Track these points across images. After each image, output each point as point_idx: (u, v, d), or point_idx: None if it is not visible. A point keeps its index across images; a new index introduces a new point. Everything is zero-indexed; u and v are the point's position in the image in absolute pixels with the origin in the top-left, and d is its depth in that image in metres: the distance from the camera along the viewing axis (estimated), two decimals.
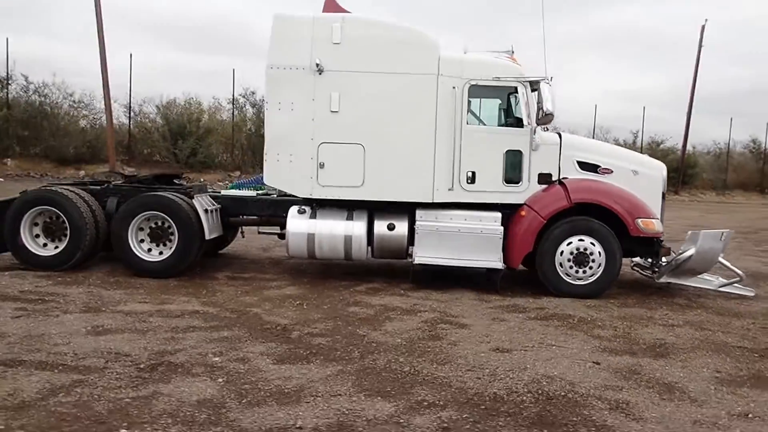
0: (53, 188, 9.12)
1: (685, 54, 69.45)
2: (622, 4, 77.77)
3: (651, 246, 9.03)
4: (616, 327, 7.18)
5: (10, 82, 28.05)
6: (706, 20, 35.92)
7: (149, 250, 8.92)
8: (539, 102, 8.50)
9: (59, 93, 28.99)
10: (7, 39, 28.02)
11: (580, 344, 6.38)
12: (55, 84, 29.07)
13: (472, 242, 8.79)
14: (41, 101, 28.43)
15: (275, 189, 9.78)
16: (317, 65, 8.57)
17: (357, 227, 8.89)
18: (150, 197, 8.93)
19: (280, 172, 8.85)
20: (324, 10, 9.02)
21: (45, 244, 8.97)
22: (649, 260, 9.43)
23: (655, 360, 5.96)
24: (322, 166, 8.76)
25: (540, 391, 4.93)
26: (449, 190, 8.86)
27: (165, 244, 8.92)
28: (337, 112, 8.69)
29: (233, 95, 32.15)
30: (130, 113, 29.72)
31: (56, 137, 27.63)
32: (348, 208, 9.00)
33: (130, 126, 29.85)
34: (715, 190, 37.95)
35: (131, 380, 4.88)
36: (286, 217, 9.13)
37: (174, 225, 8.79)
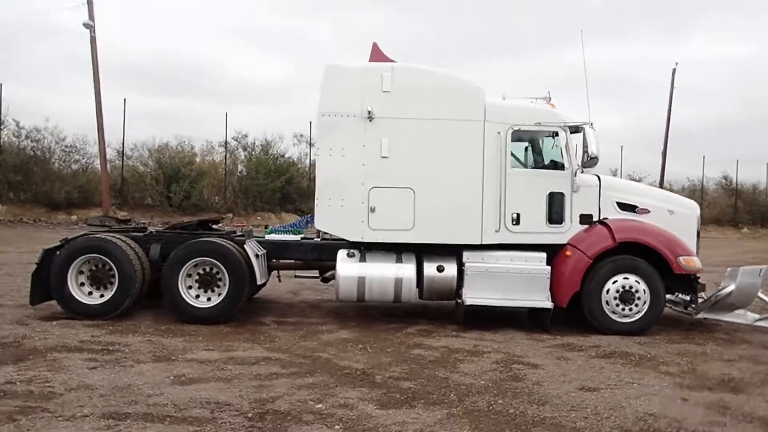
0: (101, 236, 9.10)
1: (634, 93, 71.61)
2: (592, 45, 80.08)
3: (689, 282, 9.29)
4: (679, 363, 7.36)
5: (1, 126, 27.86)
6: (677, 63, 37.35)
7: (197, 296, 8.91)
8: (585, 146, 8.79)
9: (51, 137, 28.82)
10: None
11: (657, 381, 6.54)
12: (48, 129, 28.96)
13: (521, 282, 8.95)
14: (33, 146, 28.24)
15: (313, 233, 9.90)
16: (369, 113, 8.78)
17: (407, 270, 9.00)
18: (203, 243, 8.96)
19: (332, 216, 8.98)
20: (371, 60, 9.26)
21: (90, 293, 8.91)
22: (685, 297, 9.66)
23: (735, 395, 6.13)
24: (372, 210, 8.90)
25: (651, 428, 5.05)
26: (496, 231, 9.06)
27: (213, 290, 8.92)
28: (387, 157, 8.88)
29: (225, 138, 32.24)
30: (123, 158, 29.62)
31: (47, 182, 27.40)
32: (395, 250, 9.12)
33: (123, 170, 29.73)
34: None
35: (248, 430, 4.89)
36: (330, 261, 9.23)
37: (225, 271, 8.81)
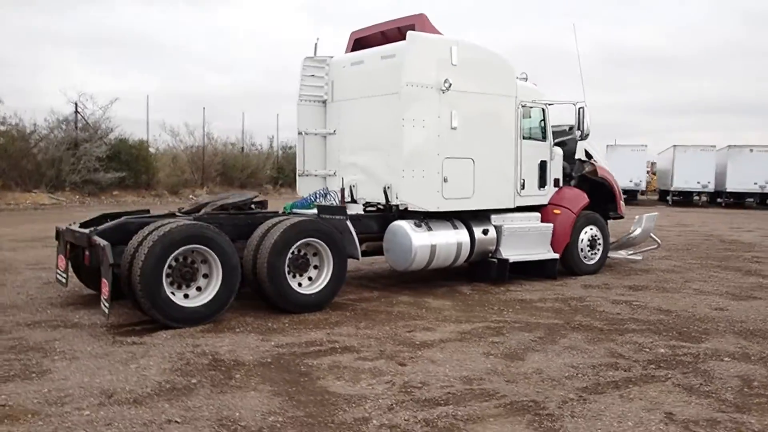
0: (198, 223, 7.34)
1: None
2: None
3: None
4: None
5: None
6: (318, 39, 40.53)
7: (300, 284, 8.03)
8: (583, 123, 10.60)
9: None
10: None
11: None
12: None
13: (535, 238, 10.47)
14: None
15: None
16: (447, 84, 8.99)
17: (462, 235, 9.62)
18: (308, 223, 8.02)
19: (414, 188, 8.99)
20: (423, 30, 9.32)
21: (186, 295, 7.23)
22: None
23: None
24: (446, 180, 9.22)
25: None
26: (518, 196, 10.32)
27: (302, 274, 8.12)
28: (455, 128, 9.26)
29: None
30: None
31: None
32: (446, 218, 9.60)
33: None
34: None
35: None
36: (381, 232, 9.26)
37: (329, 251, 8.12)
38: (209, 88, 71.33)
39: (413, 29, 9.36)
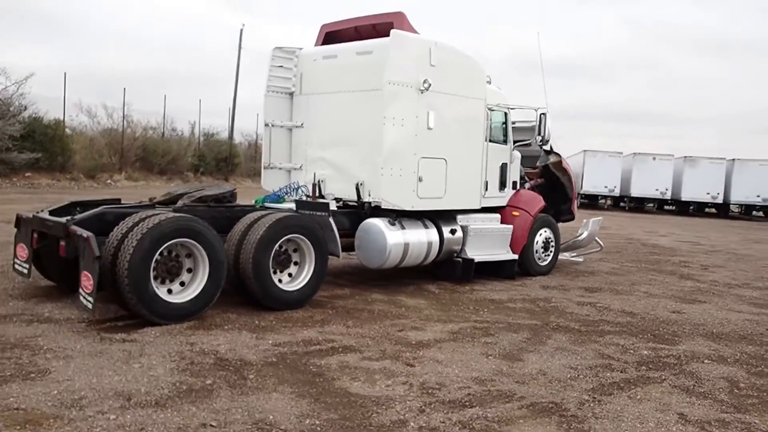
0: (185, 216, 7.04)
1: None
2: None
3: None
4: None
5: None
6: (243, 25, 39.56)
7: (279, 280, 7.88)
8: (545, 128, 10.93)
9: None
10: None
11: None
12: None
13: (497, 239, 10.73)
14: None
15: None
16: (427, 84, 9.04)
17: (433, 234, 9.73)
18: (291, 219, 7.87)
19: (392, 186, 8.98)
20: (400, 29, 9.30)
21: (170, 290, 6.94)
22: None
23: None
24: (420, 179, 9.27)
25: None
26: (482, 197, 10.53)
27: (283, 271, 7.99)
28: (431, 129, 9.33)
29: None
30: None
31: None
32: (416, 217, 9.67)
33: None
34: (251, 178, 40.70)
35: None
36: (353, 230, 9.25)
37: (312, 247, 8.02)
38: (128, 68, 68.37)
39: (391, 27, 9.35)
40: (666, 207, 40.66)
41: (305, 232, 7.96)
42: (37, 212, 7.77)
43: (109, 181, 27.54)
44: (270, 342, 6.45)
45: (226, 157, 36.47)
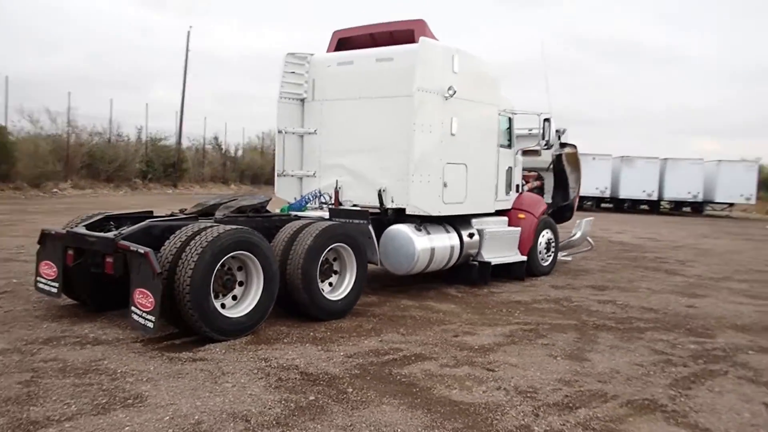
0: (243, 228, 6.83)
1: None
2: None
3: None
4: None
5: None
6: (191, 27, 38.59)
7: (322, 290, 7.78)
8: (545, 133, 11.16)
9: None
10: None
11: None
12: None
13: (508, 242, 10.92)
14: None
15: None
16: (452, 91, 9.11)
17: (454, 239, 9.81)
18: (336, 227, 7.77)
19: (421, 192, 9.01)
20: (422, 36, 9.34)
21: (223, 305, 6.74)
22: None
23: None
24: (445, 185, 9.34)
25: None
26: (495, 201, 10.70)
27: (330, 280, 7.94)
28: (454, 135, 9.41)
29: None
30: None
31: None
32: (438, 222, 9.73)
33: None
34: (199, 183, 39.95)
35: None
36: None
37: (353, 255, 7.97)
38: (70, 71, 65.45)
39: (410, 34, 9.41)
40: (603, 204, 41.97)
41: (349, 241, 7.90)
42: (71, 227, 7.40)
43: (54, 189, 26.35)
44: (342, 354, 6.36)
45: (173, 163, 35.50)
